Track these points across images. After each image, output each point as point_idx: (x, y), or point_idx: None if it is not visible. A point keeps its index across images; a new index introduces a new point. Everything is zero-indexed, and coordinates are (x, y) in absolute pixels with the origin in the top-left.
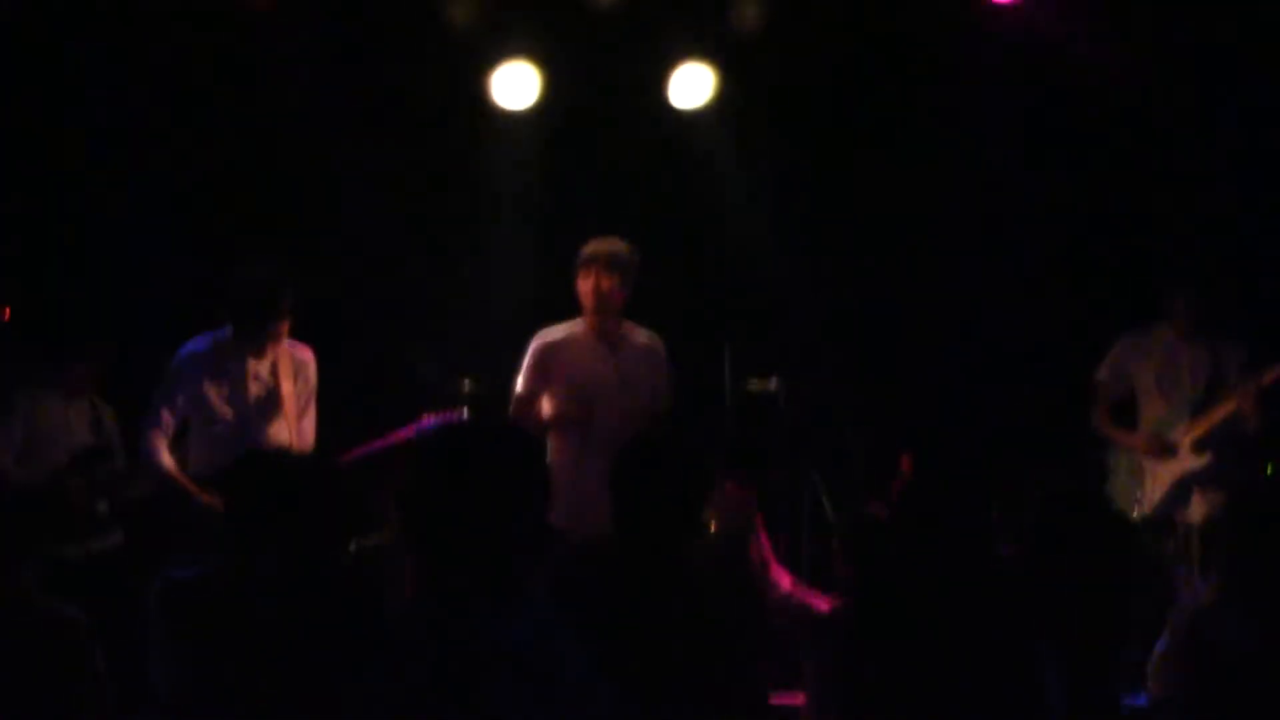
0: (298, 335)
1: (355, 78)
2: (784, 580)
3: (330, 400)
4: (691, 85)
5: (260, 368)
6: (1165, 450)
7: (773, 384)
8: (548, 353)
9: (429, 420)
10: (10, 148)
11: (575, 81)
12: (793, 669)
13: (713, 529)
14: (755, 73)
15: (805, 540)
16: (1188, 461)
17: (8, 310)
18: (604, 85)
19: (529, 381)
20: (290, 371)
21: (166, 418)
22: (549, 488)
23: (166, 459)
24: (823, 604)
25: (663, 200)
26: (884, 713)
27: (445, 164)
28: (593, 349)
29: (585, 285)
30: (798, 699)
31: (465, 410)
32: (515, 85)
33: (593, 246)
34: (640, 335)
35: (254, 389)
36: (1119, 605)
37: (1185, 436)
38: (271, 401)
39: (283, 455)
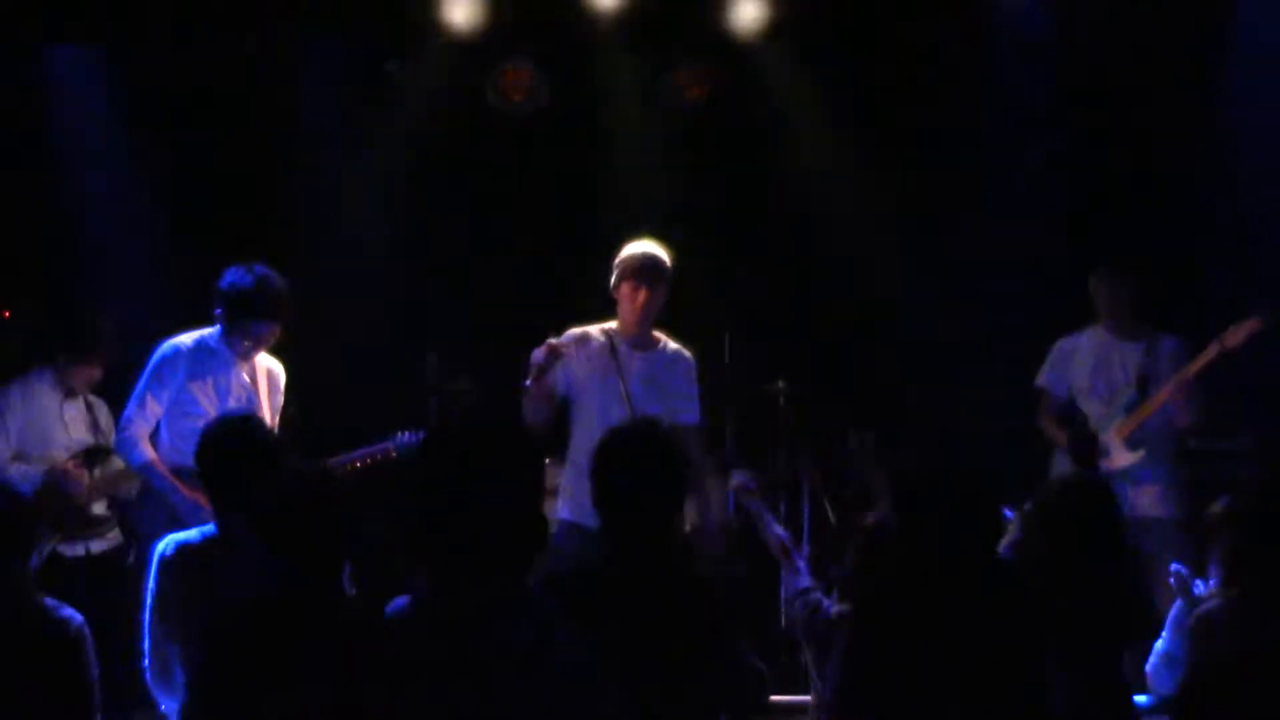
0: (291, 332)
1: (356, 77)
2: (803, 576)
3: (320, 398)
4: (693, 84)
5: (242, 370)
6: (1103, 450)
7: (773, 384)
8: (574, 342)
9: (404, 436)
10: (10, 147)
11: (575, 81)
12: (793, 669)
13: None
14: (756, 74)
15: (805, 541)
16: (1121, 459)
17: (7, 312)
18: (604, 85)
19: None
20: (267, 379)
21: (152, 409)
22: (543, 484)
23: (148, 449)
24: (834, 608)
25: (663, 200)
26: (891, 714)
27: (445, 163)
28: (608, 353)
29: (629, 294)
30: (798, 699)
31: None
32: (515, 84)
33: (640, 257)
34: (668, 347)
35: (236, 389)
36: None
37: (1118, 434)
38: (250, 405)
39: (258, 423)
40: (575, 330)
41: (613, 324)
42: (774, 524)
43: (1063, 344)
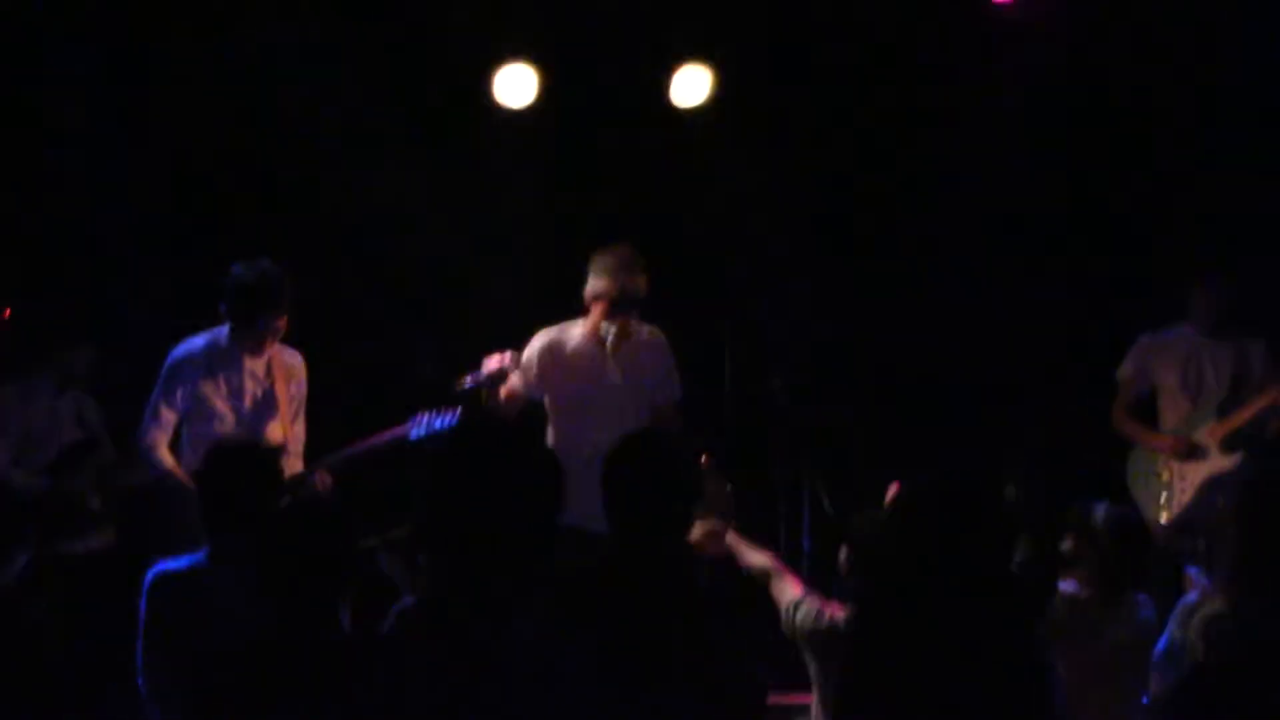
0: (296, 334)
1: (355, 77)
2: (795, 586)
3: (326, 398)
4: (691, 85)
5: (256, 367)
6: (1194, 452)
7: (773, 384)
8: (546, 351)
9: (423, 418)
10: (7, 147)
11: (575, 81)
12: (793, 669)
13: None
14: (756, 73)
15: (805, 540)
16: (1217, 462)
17: (8, 311)
18: (604, 85)
19: (524, 374)
20: (284, 373)
21: (167, 415)
22: (563, 490)
23: (166, 456)
24: (833, 610)
25: (663, 200)
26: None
27: (445, 163)
28: (594, 349)
29: (604, 314)
30: (798, 699)
31: (459, 409)
32: (515, 85)
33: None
34: (642, 331)
35: (250, 388)
36: None
37: (1212, 437)
38: (268, 401)
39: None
40: (546, 335)
41: (581, 322)
42: (750, 553)
43: (1149, 339)
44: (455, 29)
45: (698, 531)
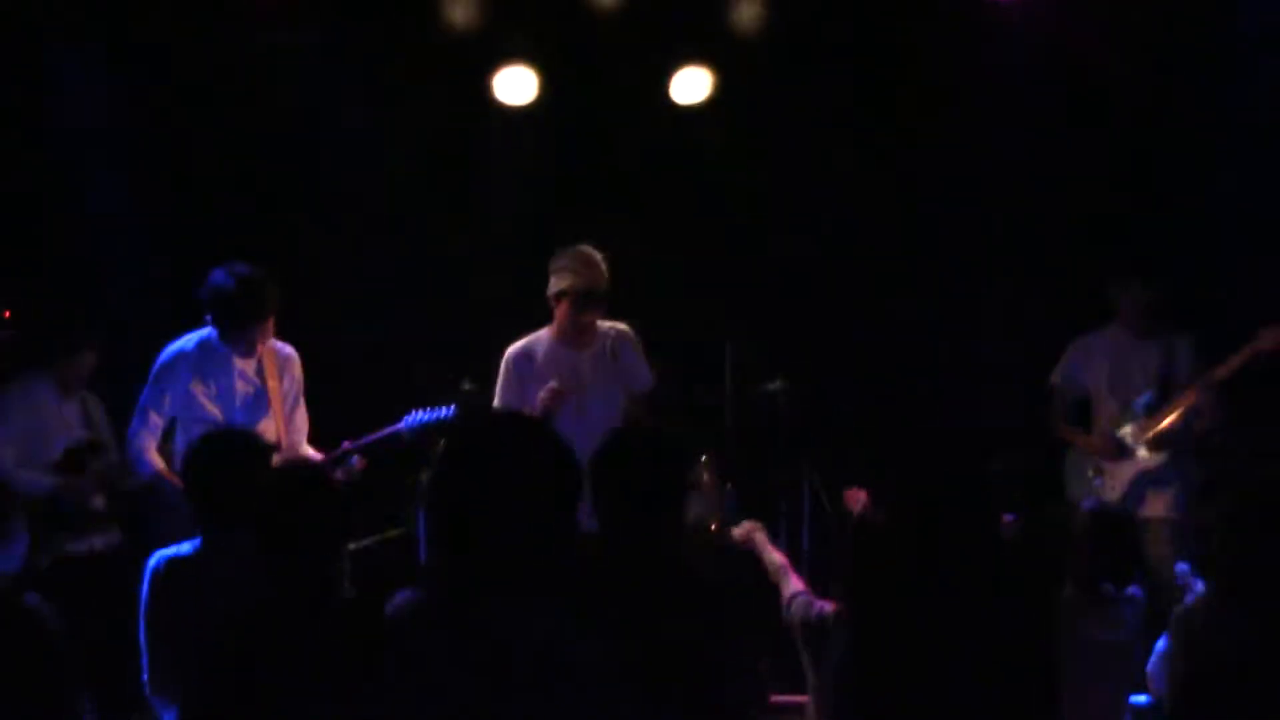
0: (292, 332)
1: (355, 78)
2: (796, 582)
3: (322, 397)
4: (691, 85)
5: (247, 367)
6: (1121, 451)
7: (773, 384)
8: (520, 363)
9: (416, 415)
10: (7, 146)
11: (575, 81)
12: (793, 669)
13: (714, 527)
14: (756, 72)
15: (805, 540)
16: (1145, 460)
17: (7, 312)
18: (604, 85)
19: (505, 394)
20: (276, 369)
21: (155, 419)
22: (579, 487)
23: (155, 459)
24: (828, 606)
25: (663, 200)
26: (887, 715)
27: (445, 163)
28: (564, 353)
29: (569, 316)
30: (798, 699)
31: (453, 407)
32: (515, 85)
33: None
34: (607, 328)
35: (241, 388)
36: None
37: (1138, 436)
38: (259, 400)
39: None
40: (514, 348)
41: (546, 330)
42: (769, 550)
43: (1079, 342)
44: (455, 29)
45: (742, 530)
